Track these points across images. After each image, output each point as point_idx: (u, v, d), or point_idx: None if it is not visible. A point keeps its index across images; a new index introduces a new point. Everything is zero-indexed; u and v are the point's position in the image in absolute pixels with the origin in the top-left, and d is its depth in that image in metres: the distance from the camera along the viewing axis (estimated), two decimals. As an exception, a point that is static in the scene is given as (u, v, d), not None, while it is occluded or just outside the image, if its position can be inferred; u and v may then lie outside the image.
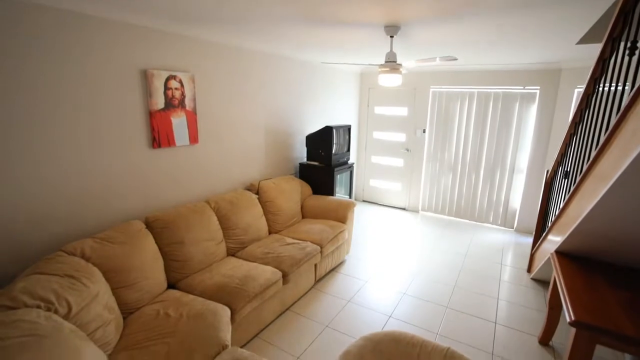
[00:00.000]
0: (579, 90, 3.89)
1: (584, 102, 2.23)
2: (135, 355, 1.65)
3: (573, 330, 1.71)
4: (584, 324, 1.57)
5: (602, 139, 1.63)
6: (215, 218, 2.71)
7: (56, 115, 1.97)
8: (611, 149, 1.55)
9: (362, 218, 5.03)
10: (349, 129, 4.20)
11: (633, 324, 1.56)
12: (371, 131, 5.58)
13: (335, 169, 3.86)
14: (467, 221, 5.03)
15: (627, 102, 1.42)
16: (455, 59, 2.25)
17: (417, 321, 2.66)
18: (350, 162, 4.33)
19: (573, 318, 1.60)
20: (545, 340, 2.42)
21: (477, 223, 4.96)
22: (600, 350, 2.37)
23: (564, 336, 2.49)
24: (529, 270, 3.47)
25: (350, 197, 4.45)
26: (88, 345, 1.41)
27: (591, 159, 1.76)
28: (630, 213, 1.63)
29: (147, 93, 2.44)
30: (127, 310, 1.98)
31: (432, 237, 4.36)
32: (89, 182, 2.18)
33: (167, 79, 2.55)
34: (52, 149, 1.98)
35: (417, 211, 5.40)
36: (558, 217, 2.49)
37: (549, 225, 2.75)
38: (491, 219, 4.87)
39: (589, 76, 2.06)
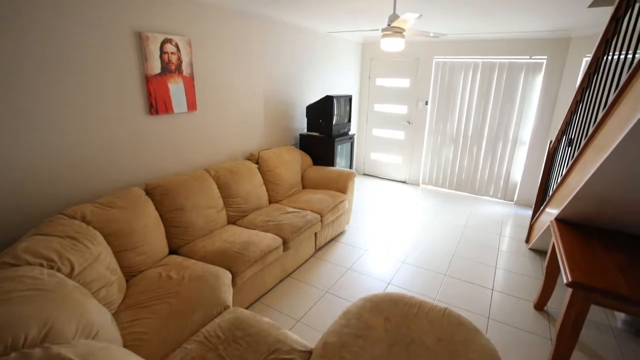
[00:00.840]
0: (587, 59, 3.77)
1: (593, 65, 2.16)
2: (139, 313, 1.68)
3: (568, 293, 1.73)
4: (581, 285, 1.59)
5: (611, 98, 1.58)
6: (215, 186, 2.71)
7: (51, 80, 1.91)
8: (619, 108, 1.51)
9: (363, 191, 5.04)
10: (350, 99, 4.12)
11: (628, 284, 1.58)
12: (372, 103, 5.49)
13: (336, 140, 3.82)
14: (468, 194, 5.03)
15: (640, 58, 1.37)
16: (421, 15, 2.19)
17: (416, 288, 2.71)
18: (351, 133, 4.27)
19: (570, 279, 1.62)
20: (540, 305, 2.47)
21: (478, 196, 4.96)
22: (591, 314, 2.43)
23: (559, 302, 2.54)
24: (527, 240, 3.51)
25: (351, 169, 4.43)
26: (92, 301, 1.43)
27: (598, 120, 1.73)
28: (635, 173, 1.61)
29: (143, 57, 2.36)
30: (129, 273, 2.01)
31: (432, 209, 4.38)
32: (85, 149, 2.15)
33: (163, 43, 2.47)
34: (48, 114, 1.93)
35: (417, 184, 5.40)
36: (559, 185, 2.48)
37: (550, 194, 2.75)
38: (491, 192, 4.88)
39: (600, 37, 1.98)
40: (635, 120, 1.30)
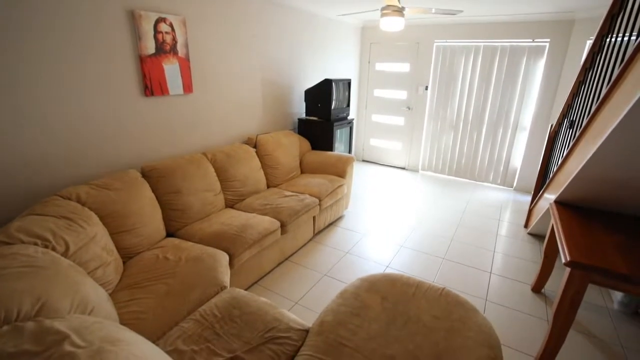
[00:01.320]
0: (590, 42, 3.70)
1: (597, 44, 2.11)
2: (136, 293, 1.68)
3: (566, 273, 1.73)
4: (579, 264, 1.58)
5: (615, 74, 1.54)
6: (212, 169, 2.68)
7: (44, 62, 1.87)
8: (623, 84, 1.47)
9: (362, 177, 5.02)
10: (349, 84, 4.06)
11: (626, 263, 1.57)
12: (372, 89, 5.42)
13: (335, 124, 3.78)
14: (467, 180, 5.02)
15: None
16: None
17: (414, 271, 2.71)
18: (350, 118, 4.22)
19: (569, 258, 1.61)
20: (537, 288, 2.48)
21: (477, 182, 4.95)
22: (587, 296, 2.44)
23: (556, 285, 2.55)
24: (526, 225, 3.50)
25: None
26: (87, 279, 1.42)
27: (601, 97, 1.69)
28: (637, 151, 1.58)
29: (136, 36, 2.31)
30: (126, 255, 2.00)
31: (431, 195, 4.37)
32: (80, 130, 2.12)
33: (157, 22, 2.41)
34: (43, 97, 1.89)
35: (416, 170, 5.38)
36: (559, 168, 2.45)
37: (550, 177, 2.73)
38: (491, 178, 4.86)
39: (605, 14, 1.93)
40: (638, 95, 1.27)
